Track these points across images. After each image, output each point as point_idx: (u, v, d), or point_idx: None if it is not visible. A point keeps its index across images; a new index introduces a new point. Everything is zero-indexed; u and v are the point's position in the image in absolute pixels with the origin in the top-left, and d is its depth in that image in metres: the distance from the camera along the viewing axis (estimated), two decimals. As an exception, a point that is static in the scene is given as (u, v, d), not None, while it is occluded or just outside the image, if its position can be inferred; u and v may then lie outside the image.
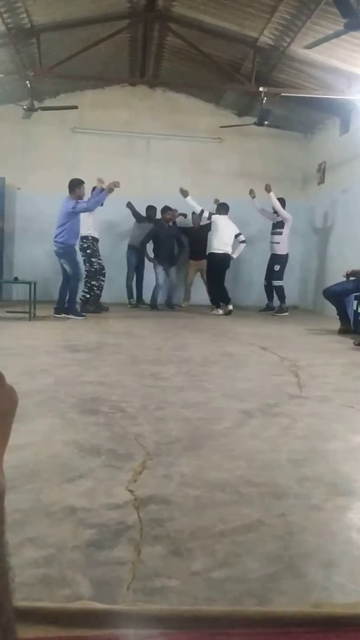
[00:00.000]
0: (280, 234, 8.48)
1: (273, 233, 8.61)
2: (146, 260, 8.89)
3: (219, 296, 8.49)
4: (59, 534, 1.48)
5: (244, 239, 8.48)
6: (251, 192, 8.54)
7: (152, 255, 8.78)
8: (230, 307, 8.33)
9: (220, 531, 1.54)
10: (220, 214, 8.37)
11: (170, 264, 8.84)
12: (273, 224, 8.62)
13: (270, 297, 8.82)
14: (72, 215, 7.17)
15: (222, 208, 8.43)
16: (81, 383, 3.37)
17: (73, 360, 4.13)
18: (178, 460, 2.10)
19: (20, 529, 1.46)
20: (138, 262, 8.87)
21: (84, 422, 2.56)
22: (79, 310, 7.44)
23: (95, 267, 7.97)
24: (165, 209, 8.64)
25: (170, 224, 8.71)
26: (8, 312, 6.90)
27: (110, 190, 7.35)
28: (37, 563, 1.32)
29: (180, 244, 8.95)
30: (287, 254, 8.59)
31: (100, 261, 8.08)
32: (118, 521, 1.57)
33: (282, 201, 8.49)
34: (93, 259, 7.95)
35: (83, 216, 7.42)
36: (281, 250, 8.53)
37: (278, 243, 8.49)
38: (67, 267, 7.27)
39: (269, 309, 8.74)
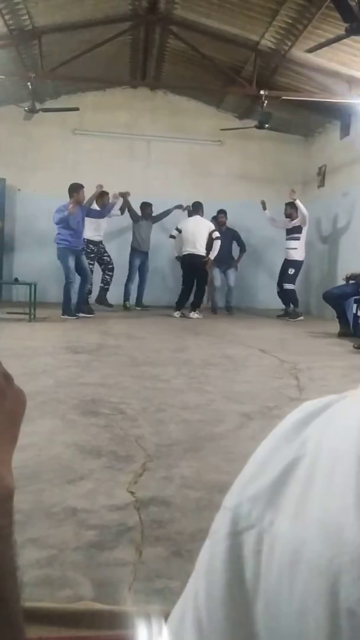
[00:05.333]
0: (298, 239, 8.18)
1: (289, 239, 8.29)
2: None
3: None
4: (60, 535, 1.49)
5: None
6: (263, 203, 8.33)
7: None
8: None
9: (220, 533, 1.54)
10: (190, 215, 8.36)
11: (227, 267, 8.83)
12: (288, 229, 8.33)
13: (286, 302, 8.49)
14: (61, 221, 7.25)
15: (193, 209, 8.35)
16: (81, 384, 3.38)
17: (73, 362, 4.14)
18: (178, 462, 2.10)
19: (21, 529, 1.46)
20: (141, 264, 8.76)
21: (84, 424, 2.56)
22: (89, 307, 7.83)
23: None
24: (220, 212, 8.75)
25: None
26: (8, 313, 6.90)
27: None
28: (38, 564, 1.32)
29: (241, 246, 8.91)
30: (303, 260, 8.35)
31: (104, 259, 8.25)
32: (119, 522, 1.57)
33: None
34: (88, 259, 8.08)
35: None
36: (298, 256, 8.24)
37: (295, 249, 8.21)
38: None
39: (287, 314, 8.35)
